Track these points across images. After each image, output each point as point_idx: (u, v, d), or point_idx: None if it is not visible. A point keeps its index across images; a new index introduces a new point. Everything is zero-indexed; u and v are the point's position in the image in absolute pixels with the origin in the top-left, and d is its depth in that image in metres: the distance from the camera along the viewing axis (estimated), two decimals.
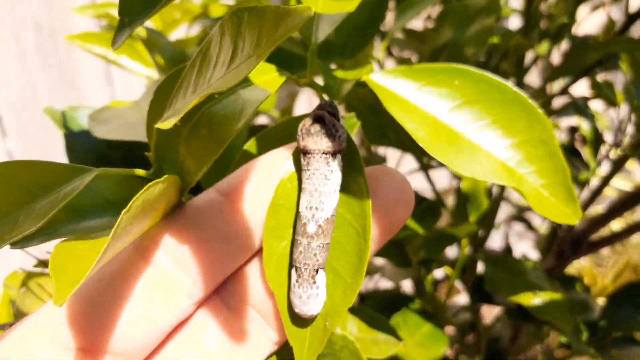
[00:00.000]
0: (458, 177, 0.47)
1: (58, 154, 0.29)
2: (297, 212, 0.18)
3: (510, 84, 0.20)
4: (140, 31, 0.43)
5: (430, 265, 0.41)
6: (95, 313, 0.17)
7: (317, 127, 0.18)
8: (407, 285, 0.73)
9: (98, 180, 0.20)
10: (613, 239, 0.59)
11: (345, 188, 0.18)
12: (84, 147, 0.30)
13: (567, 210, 0.19)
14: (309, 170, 0.18)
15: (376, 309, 0.42)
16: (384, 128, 0.37)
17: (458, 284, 0.53)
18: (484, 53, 0.40)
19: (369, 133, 0.38)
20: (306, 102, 0.85)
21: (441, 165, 0.44)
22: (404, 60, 0.39)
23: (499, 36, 0.31)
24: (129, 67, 0.42)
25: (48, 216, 0.16)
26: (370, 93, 0.43)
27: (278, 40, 0.14)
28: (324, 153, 0.18)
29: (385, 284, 0.77)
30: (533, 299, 0.32)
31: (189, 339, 0.18)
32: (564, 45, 0.55)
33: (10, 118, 0.82)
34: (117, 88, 0.90)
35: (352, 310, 0.31)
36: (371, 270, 0.63)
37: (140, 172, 0.20)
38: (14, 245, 0.21)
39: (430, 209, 0.36)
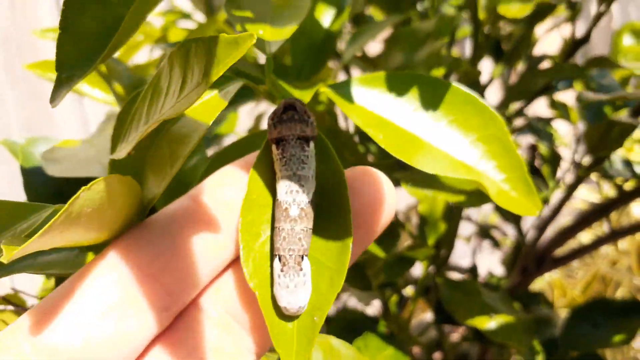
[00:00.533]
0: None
1: None
2: (276, 201, 0.18)
3: (460, 85, 0.21)
4: None
5: (396, 285, 0.41)
6: (64, 330, 0.16)
7: (289, 114, 0.18)
8: (376, 304, 0.73)
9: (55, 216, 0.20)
10: (577, 253, 0.60)
11: (320, 176, 0.18)
12: (41, 182, 0.30)
13: (528, 203, 0.19)
14: (284, 157, 0.18)
15: (341, 332, 0.42)
16: (341, 150, 0.38)
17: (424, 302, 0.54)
18: (442, 76, 0.41)
19: None
20: None
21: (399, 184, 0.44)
22: None
23: (447, 65, 0.31)
24: (90, 94, 0.42)
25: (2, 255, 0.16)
26: (328, 115, 0.44)
27: (225, 67, 0.15)
28: (298, 138, 0.18)
29: (353, 301, 0.76)
30: (488, 322, 0.33)
31: (168, 350, 0.18)
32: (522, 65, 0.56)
33: None
34: (87, 105, 0.89)
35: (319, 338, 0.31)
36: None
37: None
38: None
39: (388, 231, 0.37)
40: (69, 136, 0.41)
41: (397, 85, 0.22)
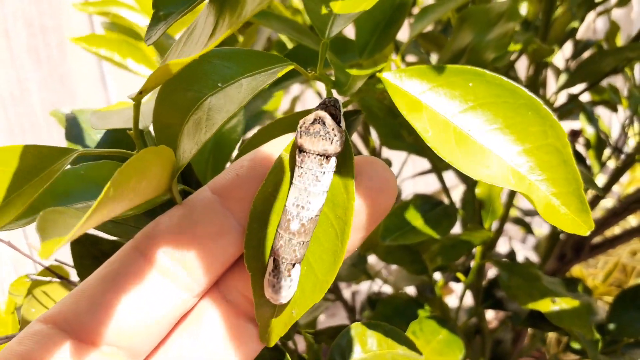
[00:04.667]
0: (465, 180, 0.47)
1: None
2: (285, 206, 0.19)
3: (524, 88, 0.19)
4: (143, 31, 0.42)
5: (447, 269, 0.40)
6: (98, 310, 0.17)
7: (316, 127, 0.18)
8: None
9: (89, 167, 0.21)
10: (613, 242, 0.59)
11: (333, 188, 0.19)
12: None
13: (579, 220, 0.18)
14: (302, 168, 0.18)
15: (389, 315, 0.41)
16: (400, 130, 0.37)
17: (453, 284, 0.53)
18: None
19: (384, 135, 0.38)
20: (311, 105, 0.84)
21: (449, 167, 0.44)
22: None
23: (522, 42, 0.31)
24: (135, 70, 0.41)
25: (32, 197, 0.16)
26: (387, 94, 0.43)
27: (255, 11, 0.15)
28: (319, 155, 0.18)
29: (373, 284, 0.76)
30: (552, 306, 0.32)
31: (190, 332, 0.19)
32: (567, 48, 0.55)
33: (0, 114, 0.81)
34: (110, 85, 0.89)
35: (370, 326, 0.30)
36: (374, 275, 0.63)
37: (124, 152, 0.20)
38: (1, 228, 0.21)
39: (445, 213, 0.36)
40: None
41: (455, 81, 0.20)
